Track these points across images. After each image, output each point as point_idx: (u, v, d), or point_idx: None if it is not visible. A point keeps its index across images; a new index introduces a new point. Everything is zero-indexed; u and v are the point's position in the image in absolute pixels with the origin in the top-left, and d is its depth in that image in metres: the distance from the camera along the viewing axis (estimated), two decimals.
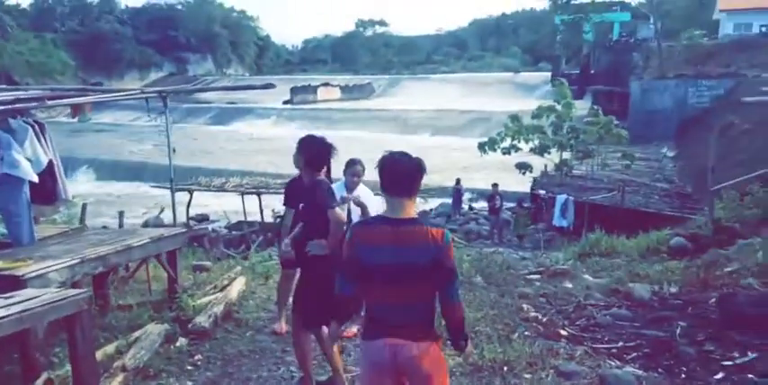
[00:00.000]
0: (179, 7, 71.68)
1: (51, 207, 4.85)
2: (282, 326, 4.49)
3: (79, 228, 5.28)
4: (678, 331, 4.23)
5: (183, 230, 5.15)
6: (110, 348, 3.88)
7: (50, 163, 4.41)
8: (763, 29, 36.03)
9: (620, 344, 4.14)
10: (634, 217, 13.16)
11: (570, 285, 5.91)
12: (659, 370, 3.67)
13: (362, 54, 76.91)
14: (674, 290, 5.34)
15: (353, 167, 4.27)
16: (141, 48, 63.58)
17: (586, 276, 6.33)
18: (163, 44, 65.87)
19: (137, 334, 4.10)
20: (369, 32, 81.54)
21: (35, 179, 4.14)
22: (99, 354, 3.72)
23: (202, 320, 4.34)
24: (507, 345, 3.89)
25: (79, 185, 24.19)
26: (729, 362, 3.68)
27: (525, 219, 15.46)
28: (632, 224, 12.46)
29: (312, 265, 3.29)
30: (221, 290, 5.33)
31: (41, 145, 4.25)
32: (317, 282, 3.25)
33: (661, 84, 29.13)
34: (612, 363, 3.79)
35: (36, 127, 4.26)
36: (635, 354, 3.94)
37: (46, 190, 4.48)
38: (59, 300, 2.87)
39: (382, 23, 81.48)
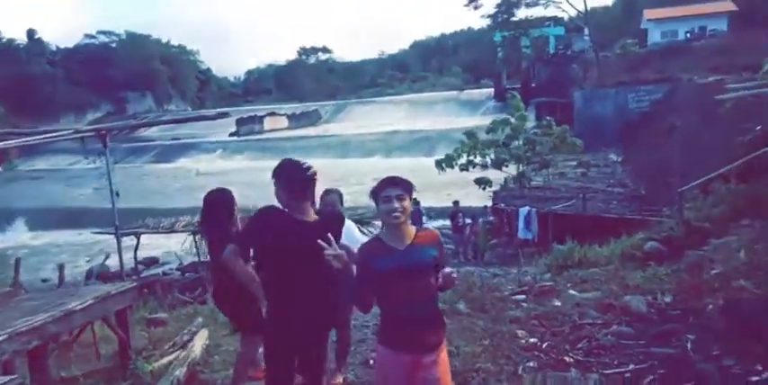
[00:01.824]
0: (113, 45, 70.03)
1: None
2: None
3: (9, 293, 4.60)
4: (689, 346, 3.93)
5: (133, 285, 4.54)
6: None
7: None
8: (688, 35, 38.05)
9: (632, 366, 3.80)
10: (597, 223, 13.14)
11: (559, 303, 5.57)
12: None
13: (307, 81, 76.89)
14: (668, 299, 5.08)
15: (328, 197, 3.82)
16: (76, 89, 61.57)
17: (573, 292, 6.02)
18: (98, 84, 64.01)
19: None
20: (312, 60, 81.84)
21: None
22: None
23: None
24: (516, 383, 3.48)
25: (13, 238, 22.68)
26: (756, 378, 3.38)
27: (485, 235, 15.15)
28: (597, 230, 12.41)
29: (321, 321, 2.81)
30: (182, 347, 4.72)
31: None
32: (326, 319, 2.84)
33: (602, 92, 30.07)
34: None
35: None
36: (651, 377, 3.60)
37: None
38: None
39: (325, 50, 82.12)
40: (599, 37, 37.29)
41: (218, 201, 3.81)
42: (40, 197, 28.82)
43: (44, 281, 13.74)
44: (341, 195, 4.08)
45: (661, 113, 24.85)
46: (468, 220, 16.03)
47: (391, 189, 2.48)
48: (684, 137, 18.45)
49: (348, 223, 3.58)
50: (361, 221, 12.03)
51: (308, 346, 2.81)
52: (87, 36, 69.50)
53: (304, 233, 2.68)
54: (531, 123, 21.05)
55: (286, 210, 2.79)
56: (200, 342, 4.77)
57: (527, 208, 14.16)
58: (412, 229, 2.55)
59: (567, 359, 4.02)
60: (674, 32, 39.65)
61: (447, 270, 2.50)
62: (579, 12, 35.39)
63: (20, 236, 23.26)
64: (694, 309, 4.68)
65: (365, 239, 3.92)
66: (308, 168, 2.84)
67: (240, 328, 3.91)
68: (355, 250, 3.28)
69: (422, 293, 2.47)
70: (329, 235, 2.49)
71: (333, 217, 2.98)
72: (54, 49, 67.77)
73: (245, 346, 3.78)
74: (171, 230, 12.77)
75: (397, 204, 2.45)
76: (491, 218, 16.85)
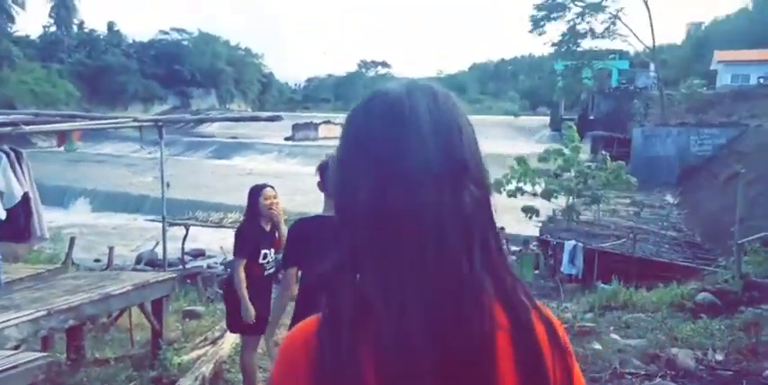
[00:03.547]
0: (185, 43, 72.86)
1: (25, 245, 4.32)
2: None
3: (58, 269, 4.72)
4: None
5: (172, 275, 4.59)
6: None
7: (26, 196, 3.90)
8: (761, 80, 36.47)
9: None
10: (646, 266, 12.64)
11: (600, 347, 5.30)
12: None
13: (364, 94, 77.17)
14: (719, 357, 4.75)
15: None
16: (146, 81, 64.28)
17: (615, 336, 5.73)
18: (168, 78, 66.67)
19: None
20: (371, 73, 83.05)
21: (2, 216, 3.62)
22: None
23: (188, 384, 3.74)
24: None
25: (75, 216, 23.69)
26: None
27: (531, 265, 14.31)
28: (645, 274, 11.94)
29: None
30: (212, 342, 4.73)
31: (17, 175, 3.76)
32: None
33: (663, 131, 29.10)
34: None
35: (12, 155, 3.77)
36: None
37: (19, 226, 3.95)
38: (8, 369, 2.30)
39: (384, 64, 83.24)
40: (665, 74, 36.24)
41: (249, 196, 3.83)
42: (103, 180, 30.08)
43: (96, 261, 14.22)
44: None
45: (724, 159, 23.87)
46: (517, 248, 15.46)
47: None
48: (748, 185, 17.67)
49: None
50: None
51: None
52: (161, 32, 72.62)
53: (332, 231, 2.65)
54: (585, 156, 20.54)
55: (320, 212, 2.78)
56: (229, 339, 4.76)
57: (573, 242, 13.74)
58: None
59: None
60: (745, 77, 38.08)
61: None
62: (646, 47, 34.54)
63: (83, 215, 24.31)
64: (749, 373, 4.36)
65: None
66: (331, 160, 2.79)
67: (235, 328, 3.92)
68: None
69: None
70: None
71: None
72: (130, 42, 71.08)
73: (244, 349, 3.87)
74: (219, 225, 13.03)
75: None
76: (535, 248, 16.33)
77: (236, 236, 3.79)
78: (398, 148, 0.69)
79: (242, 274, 3.56)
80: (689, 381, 4.28)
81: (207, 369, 4.04)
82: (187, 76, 68.67)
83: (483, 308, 0.65)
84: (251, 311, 3.55)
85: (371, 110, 0.77)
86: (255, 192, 3.74)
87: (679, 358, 4.59)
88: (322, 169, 2.73)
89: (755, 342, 4.93)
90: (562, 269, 13.69)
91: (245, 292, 3.54)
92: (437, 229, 0.66)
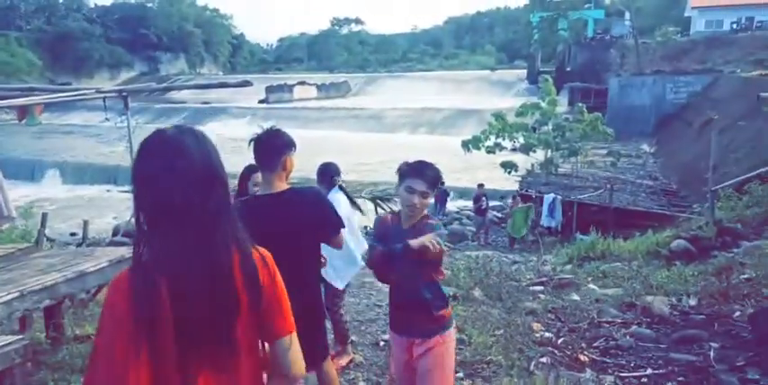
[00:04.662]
0: (149, 5, 70.08)
1: None
2: None
3: (29, 248, 4.62)
4: (712, 354, 3.78)
5: None
6: None
7: None
8: (734, 25, 36.41)
9: (649, 371, 3.67)
10: (623, 216, 12.87)
11: (578, 298, 5.44)
12: None
13: (338, 52, 76.30)
14: (693, 302, 4.91)
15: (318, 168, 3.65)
16: (111, 47, 62.05)
17: (593, 286, 5.87)
18: (134, 43, 64.45)
19: None
20: (344, 31, 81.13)
21: None
22: None
23: None
24: (528, 380, 3.38)
25: (46, 189, 23.20)
26: None
27: (524, 220, 13.81)
28: (622, 223, 12.18)
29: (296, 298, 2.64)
30: None
31: None
32: (304, 315, 2.64)
33: (639, 80, 29.13)
34: None
35: None
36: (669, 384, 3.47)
37: None
38: None
39: (358, 21, 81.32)
40: (640, 22, 35.94)
41: (239, 179, 3.59)
42: (72, 151, 29.36)
43: (72, 234, 14.03)
44: (334, 168, 3.80)
45: (698, 106, 24.06)
46: (496, 202, 15.48)
47: (418, 182, 2.32)
48: (722, 132, 17.86)
49: (335, 197, 3.44)
50: (381, 198, 11.91)
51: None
52: None
53: (268, 209, 2.44)
54: (563, 108, 20.55)
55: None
56: None
57: (552, 195, 13.89)
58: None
59: (582, 357, 3.90)
60: (719, 22, 37.95)
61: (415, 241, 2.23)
62: None
63: (54, 188, 23.80)
64: (720, 316, 4.50)
65: (351, 213, 3.68)
66: (263, 134, 2.64)
67: None
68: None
69: (412, 277, 2.36)
70: None
71: (307, 193, 2.73)
72: (92, 5, 68.15)
73: None
74: None
75: (416, 200, 2.33)
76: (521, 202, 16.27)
77: None
78: (172, 164, 1.22)
79: None
80: (663, 327, 4.41)
81: None
82: (154, 40, 66.42)
83: (228, 258, 1.26)
84: None
85: (153, 142, 1.27)
86: (245, 176, 3.43)
87: (654, 305, 4.72)
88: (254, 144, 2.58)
89: (727, 285, 5.08)
90: (541, 222, 13.89)
91: None
92: (198, 214, 1.23)
